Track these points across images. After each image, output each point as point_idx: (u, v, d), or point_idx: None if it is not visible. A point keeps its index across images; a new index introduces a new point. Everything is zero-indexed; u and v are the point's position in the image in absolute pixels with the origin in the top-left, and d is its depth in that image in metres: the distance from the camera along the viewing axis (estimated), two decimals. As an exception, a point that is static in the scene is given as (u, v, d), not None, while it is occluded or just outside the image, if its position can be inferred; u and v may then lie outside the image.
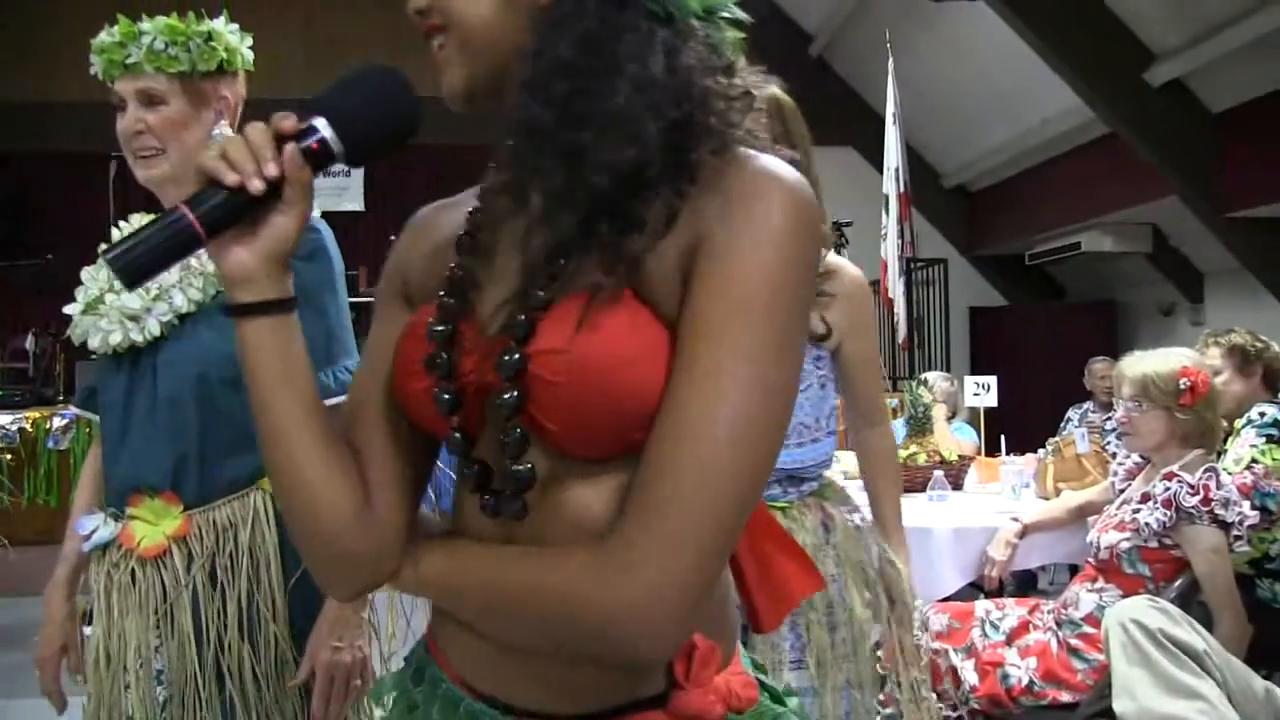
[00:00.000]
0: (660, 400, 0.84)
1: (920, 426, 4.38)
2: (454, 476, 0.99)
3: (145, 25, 1.89)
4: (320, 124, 0.93)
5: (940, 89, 7.90)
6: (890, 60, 5.60)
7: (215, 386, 1.84)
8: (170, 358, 1.87)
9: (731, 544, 0.85)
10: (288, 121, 0.93)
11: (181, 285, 1.87)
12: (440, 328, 0.95)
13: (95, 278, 1.97)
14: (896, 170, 6.85)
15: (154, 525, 1.86)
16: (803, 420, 2.17)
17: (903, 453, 4.19)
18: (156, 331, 1.87)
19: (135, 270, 0.90)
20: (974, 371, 7.60)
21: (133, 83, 1.88)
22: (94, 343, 1.90)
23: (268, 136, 0.92)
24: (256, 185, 0.90)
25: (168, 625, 1.86)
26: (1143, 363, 3.13)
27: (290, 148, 0.92)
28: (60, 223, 8.69)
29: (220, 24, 1.97)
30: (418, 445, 1.02)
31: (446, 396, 0.93)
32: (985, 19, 6.25)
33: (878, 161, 7.54)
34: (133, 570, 1.87)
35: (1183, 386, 3.02)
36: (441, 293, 0.98)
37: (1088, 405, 6.49)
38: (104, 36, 1.90)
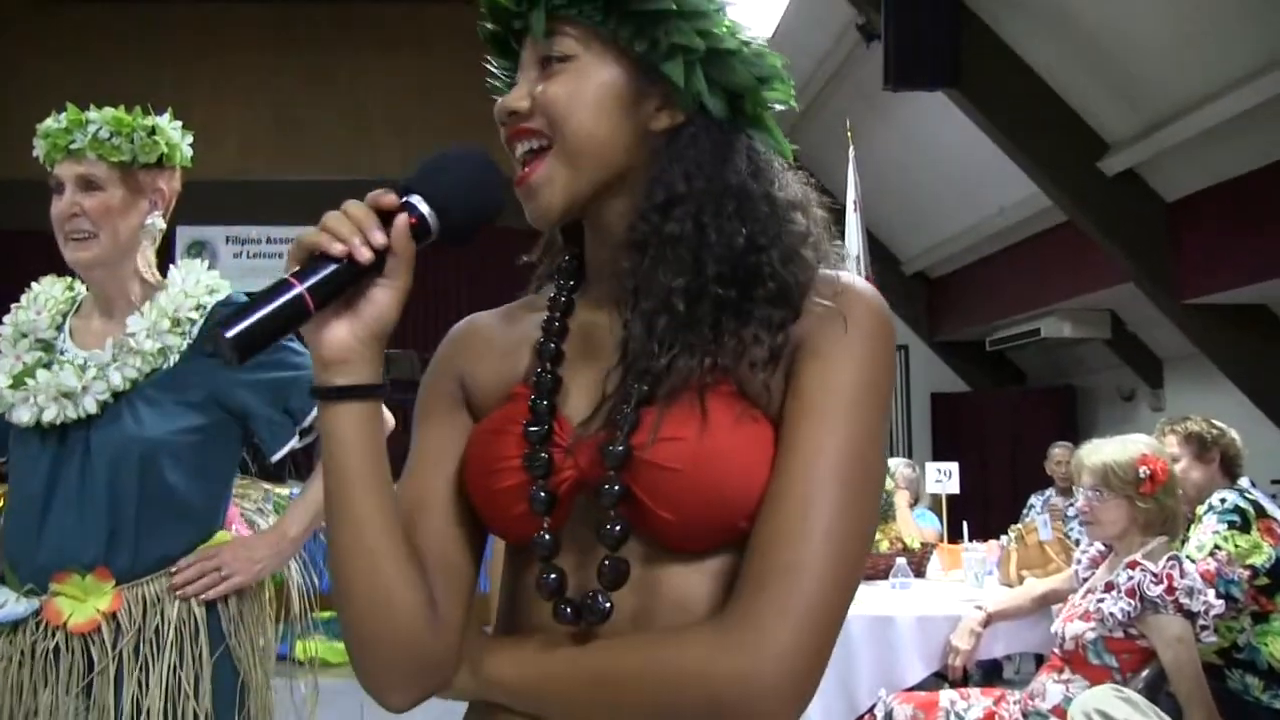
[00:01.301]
0: (769, 481, 0.90)
1: (882, 513, 4.34)
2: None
3: (93, 114, 1.95)
4: (418, 201, 0.93)
5: (899, 177, 8.00)
6: (850, 148, 5.66)
7: (158, 464, 1.88)
8: (109, 436, 1.89)
9: (839, 626, 0.89)
10: (388, 197, 0.93)
11: (118, 364, 1.91)
12: (536, 428, 0.97)
13: (16, 345, 1.99)
14: (858, 257, 6.90)
15: (82, 601, 1.87)
16: None
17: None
18: (93, 409, 1.89)
19: (249, 343, 0.88)
20: (936, 457, 7.59)
21: (74, 167, 1.94)
22: (22, 417, 1.89)
23: (368, 210, 0.92)
24: (365, 254, 0.90)
25: (85, 700, 1.88)
26: (1101, 451, 3.11)
27: (401, 218, 0.92)
28: (7, 302, 8.57)
29: (164, 120, 2.03)
30: (476, 547, 1.04)
31: (544, 495, 0.95)
32: (943, 109, 6.35)
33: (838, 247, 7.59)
34: (57, 645, 1.88)
35: (1142, 475, 3.01)
36: (533, 396, 1.00)
37: (1050, 491, 6.48)
38: (50, 122, 1.96)
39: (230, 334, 0.88)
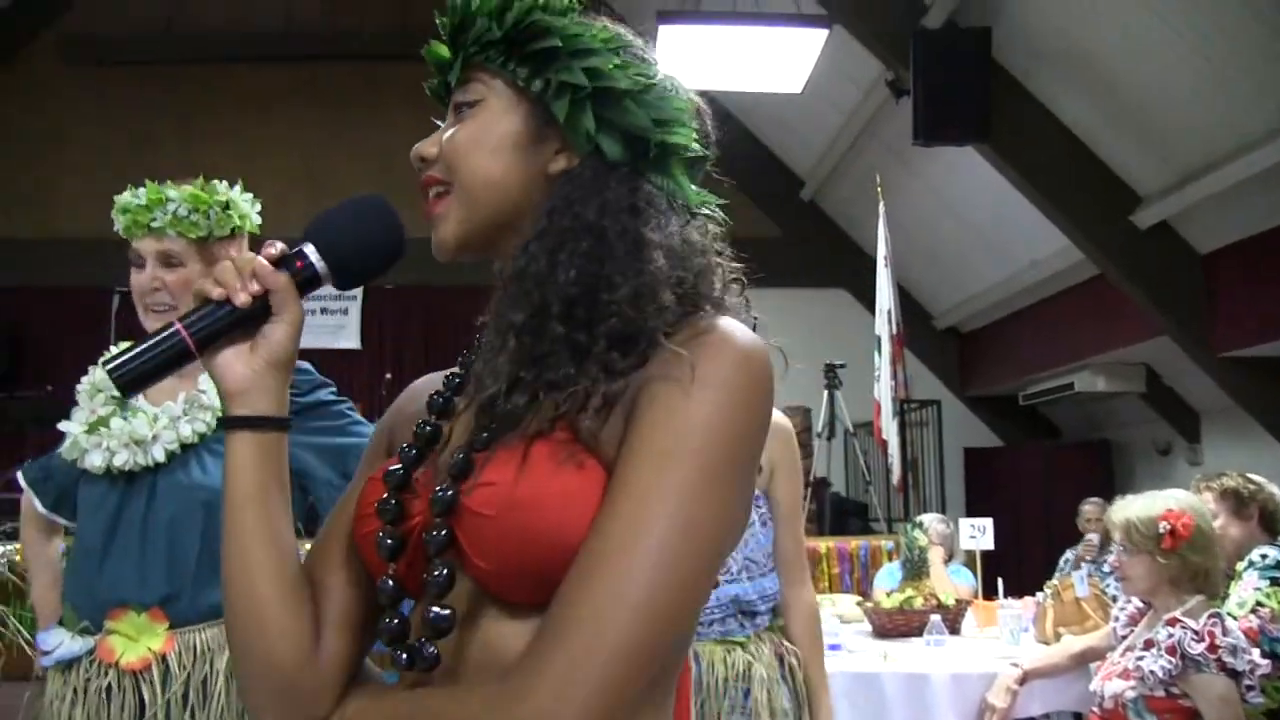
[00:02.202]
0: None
1: (916, 570, 4.31)
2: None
3: (172, 192, 2.06)
4: (307, 249, 1.00)
5: (930, 231, 8.02)
6: (881, 203, 5.68)
7: (219, 514, 1.89)
8: (174, 483, 1.99)
9: (637, 680, 0.82)
10: (272, 248, 0.99)
11: (188, 417, 2.02)
12: (394, 472, 0.98)
13: (92, 398, 2.11)
14: (889, 312, 6.89)
15: (134, 640, 1.94)
16: (749, 555, 2.31)
17: (899, 596, 4.12)
18: (161, 458, 1.99)
19: (130, 379, 0.98)
20: (969, 513, 7.52)
21: (155, 244, 2.06)
22: (94, 461, 2.00)
23: (250, 260, 0.98)
24: (241, 298, 0.96)
25: None
26: (1128, 507, 3.09)
27: (261, 260, 0.97)
28: (59, 355, 8.79)
29: (236, 192, 2.15)
30: (372, 587, 1.02)
31: (389, 541, 0.95)
32: (973, 163, 6.37)
33: (869, 302, 7.59)
34: (109, 684, 1.94)
35: (1162, 530, 2.96)
36: (403, 445, 1.02)
37: (1080, 547, 6.40)
38: (129, 197, 2.07)
39: (116, 370, 0.97)
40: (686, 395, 0.88)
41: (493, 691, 0.84)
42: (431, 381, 1.15)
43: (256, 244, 2.13)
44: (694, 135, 1.04)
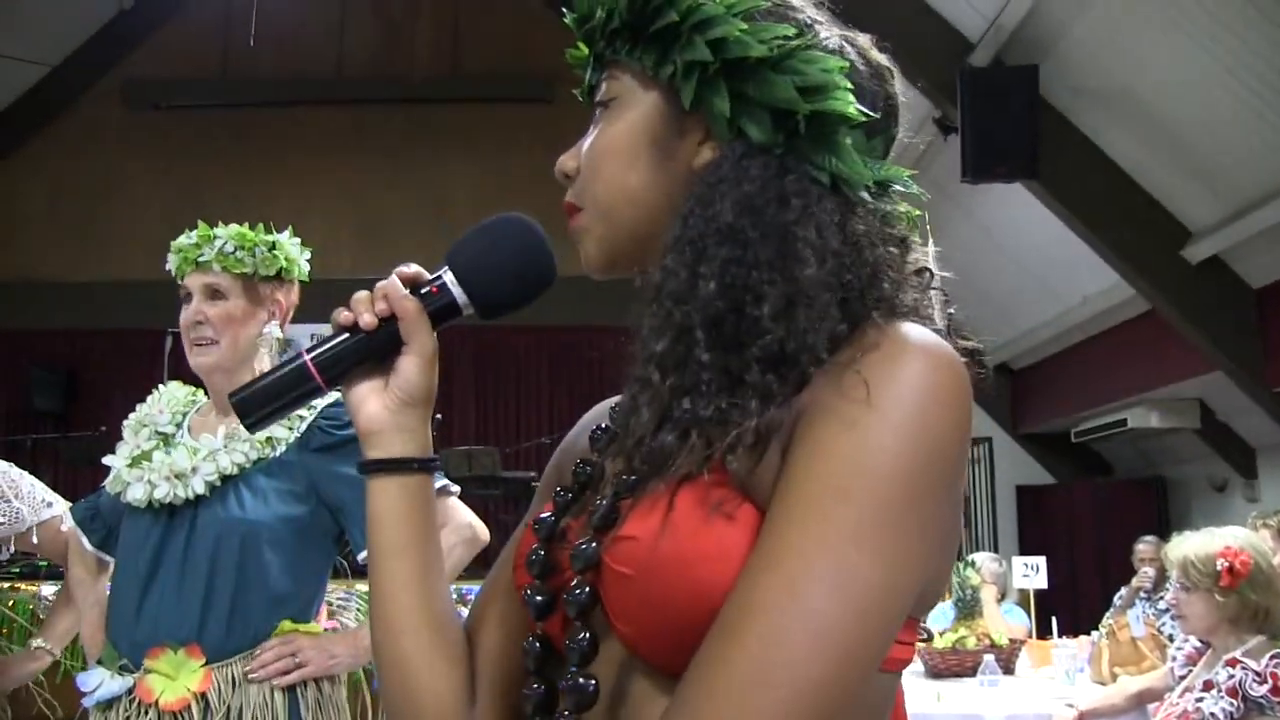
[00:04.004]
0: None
1: (969, 609, 4.28)
2: None
3: (220, 230, 2.11)
4: (445, 274, 0.92)
5: (979, 268, 7.99)
6: (930, 241, 5.67)
7: (257, 547, 1.97)
8: (214, 516, 1.99)
9: None
10: (409, 268, 0.92)
11: (228, 449, 2.03)
12: (545, 520, 0.89)
13: (137, 434, 2.14)
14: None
15: (173, 679, 1.93)
16: None
17: (951, 636, 4.09)
18: (201, 490, 1.99)
19: (253, 411, 0.91)
20: (1022, 551, 7.44)
21: (201, 277, 2.10)
22: (136, 494, 2.01)
23: (388, 283, 0.91)
24: (366, 318, 0.89)
25: None
26: (1185, 544, 3.08)
27: (393, 280, 0.91)
28: (112, 396, 8.91)
29: (285, 237, 2.20)
30: None
31: (538, 598, 0.85)
32: (1021, 199, 6.36)
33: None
34: None
35: (1220, 568, 2.94)
36: (559, 487, 0.92)
37: (1130, 585, 6.33)
38: (183, 239, 2.12)
39: (242, 402, 0.91)
40: (853, 423, 0.73)
41: None
42: (600, 413, 1.04)
43: (305, 293, 2.18)
44: (851, 98, 0.85)
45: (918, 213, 0.93)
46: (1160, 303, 6.15)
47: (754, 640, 0.69)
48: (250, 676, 1.96)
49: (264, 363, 2.16)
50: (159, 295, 2.20)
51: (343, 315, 0.90)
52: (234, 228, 2.13)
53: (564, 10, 0.97)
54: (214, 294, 2.09)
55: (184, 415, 2.19)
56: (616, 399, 0.99)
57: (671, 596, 0.74)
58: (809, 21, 0.90)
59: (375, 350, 0.91)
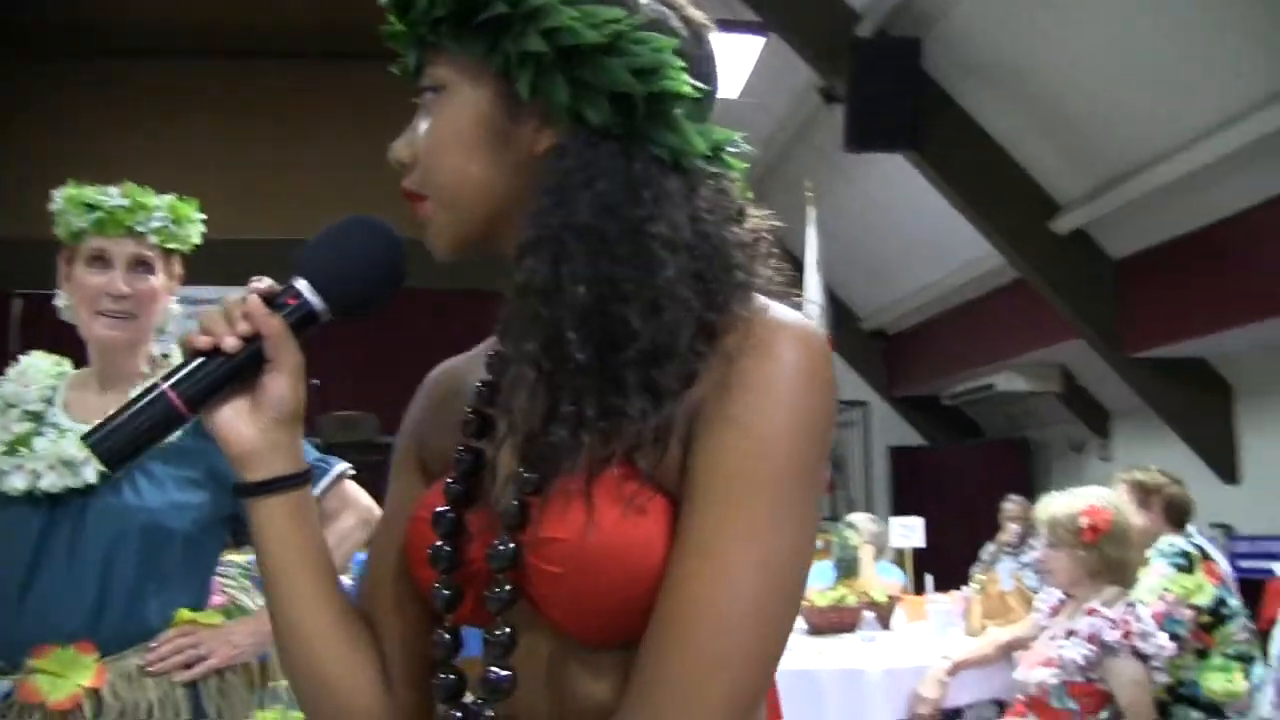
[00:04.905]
0: (666, 571, 0.80)
1: (849, 568, 4.44)
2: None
3: (156, 199, 1.99)
4: (299, 284, 0.91)
5: (858, 236, 8.16)
6: (811, 209, 5.79)
7: (156, 536, 1.87)
8: (108, 506, 1.86)
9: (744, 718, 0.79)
10: (261, 283, 0.91)
11: None
12: (443, 516, 0.90)
13: (4, 414, 1.96)
14: (817, 316, 7.02)
15: (62, 677, 1.80)
16: None
17: (832, 594, 4.24)
18: (93, 479, 1.85)
19: (116, 455, 0.89)
20: (895, 511, 7.69)
21: (129, 247, 1.96)
22: (16, 484, 1.85)
23: (240, 301, 0.89)
24: (229, 341, 0.87)
25: None
26: (1052, 505, 3.29)
27: (253, 298, 0.89)
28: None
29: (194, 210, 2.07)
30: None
31: (446, 592, 0.89)
32: (901, 170, 6.51)
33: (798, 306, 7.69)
34: None
35: (1082, 525, 3.16)
36: (448, 479, 0.92)
37: (993, 545, 6.64)
38: (110, 198, 1.96)
39: (99, 445, 0.88)
40: (746, 420, 0.80)
41: None
42: (452, 376, 1.05)
43: (187, 261, 2.06)
44: (684, 74, 0.87)
45: (746, 165, 0.95)
46: (1028, 272, 6.38)
47: (700, 629, 0.77)
48: (148, 670, 1.86)
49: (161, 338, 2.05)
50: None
51: (200, 340, 0.88)
52: (168, 198, 2.01)
53: None
54: (140, 265, 1.96)
55: (51, 390, 2.00)
56: (465, 359, 1.04)
57: (604, 586, 0.80)
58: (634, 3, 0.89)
59: (240, 371, 0.89)
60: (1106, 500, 3.29)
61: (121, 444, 0.88)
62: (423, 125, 0.92)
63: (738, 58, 6.02)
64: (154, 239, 1.97)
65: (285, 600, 0.93)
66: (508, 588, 0.83)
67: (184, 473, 1.91)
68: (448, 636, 0.90)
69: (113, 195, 1.97)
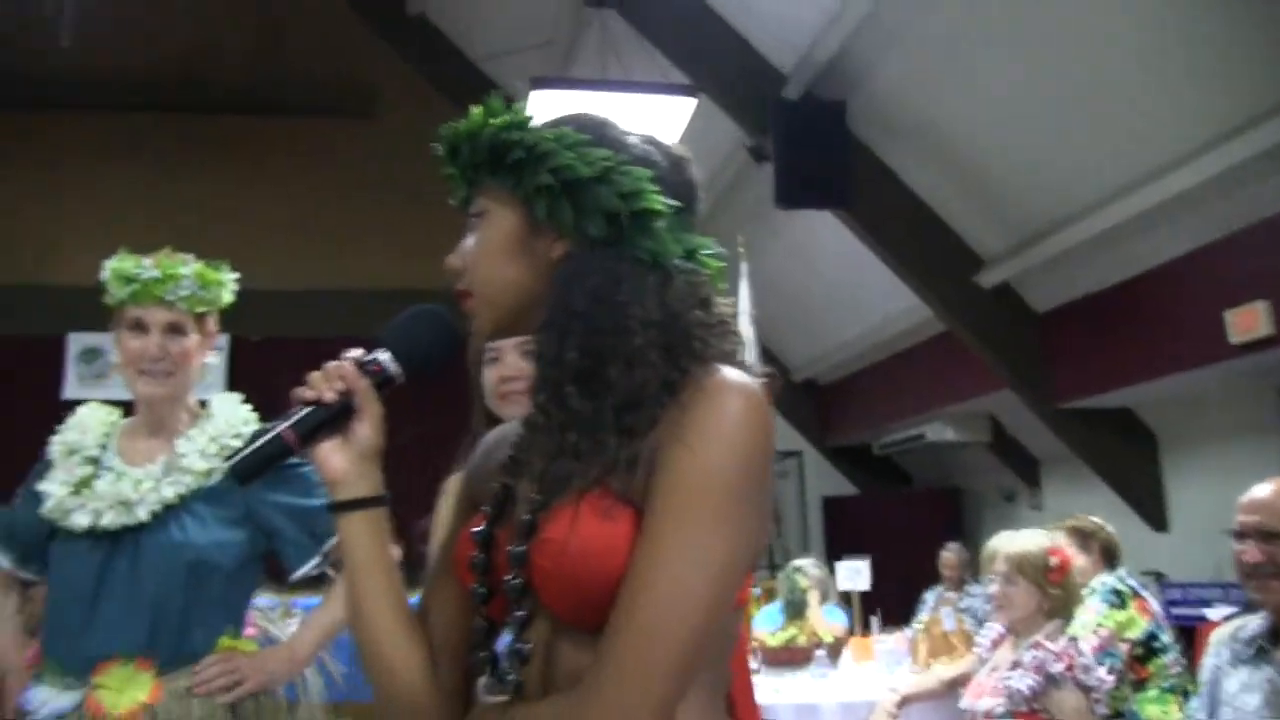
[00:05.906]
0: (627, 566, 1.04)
1: (797, 610, 4.56)
2: None
3: (184, 268, 2.19)
4: (382, 356, 1.21)
5: (789, 289, 8.27)
6: (743, 263, 5.93)
7: (200, 569, 2.10)
8: (157, 543, 2.11)
9: (679, 678, 1.02)
10: (355, 351, 1.21)
11: (170, 480, 2.13)
12: (480, 533, 1.17)
13: (68, 459, 2.19)
14: (758, 366, 7.13)
15: (121, 692, 2.02)
16: None
17: (783, 635, 4.35)
18: (144, 518, 2.11)
19: (247, 473, 1.20)
20: (830, 558, 7.80)
21: (163, 314, 2.19)
22: (80, 521, 2.11)
23: (339, 365, 1.19)
24: (328, 395, 1.18)
25: None
26: (1014, 542, 3.43)
27: (346, 364, 1.20)
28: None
29: (226, 270, 2.29)
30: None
31: (481, 590, 1.16)
32: (830, 226, 6.66)
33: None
34: None
35: (1051, 564, 3.31)
36: (485, 507, 1.20)
37: (940, 588, 6.79)
38: (144, 270, 2.17)
39: (235, 466, 1.20)
40: (692, 450, 1.05)
41: (562, 700, 1.06)
42: (504, 436, 1.33)
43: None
44: (658, 196, 1.16)
45: (722, 264, 1.23)
46: (954, 325, 6.57)
47: (645, 609, 1.01)
48: (194, 690, 2.07)
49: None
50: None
51: (307, 393, 1.18)
52: (196, 265, 2.23)
53: (435, 145, 1.25)
54: (173, 329, 2.20)
55: (106, 437, 2.27)
56: (501, 428, 1.36)
57: (583, 577, 1.05)
58: (618, 140, 1.20)
59: (337, 418, 1.19)
60: (1057, 542, 3.49)
61: (251, 466, 1.20)
62: (469, 241, 1.22)
63: (671, 118, 6.16)
64: (184, 305, 2.19)
65: (362, 595, 1.20)
66: (519, 580, 1.09)
67: (224, 512, 2.16)
68: (485, 624, 1.16)
69: (147, 267, 2.18)
